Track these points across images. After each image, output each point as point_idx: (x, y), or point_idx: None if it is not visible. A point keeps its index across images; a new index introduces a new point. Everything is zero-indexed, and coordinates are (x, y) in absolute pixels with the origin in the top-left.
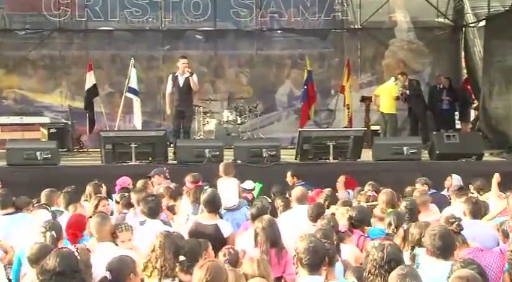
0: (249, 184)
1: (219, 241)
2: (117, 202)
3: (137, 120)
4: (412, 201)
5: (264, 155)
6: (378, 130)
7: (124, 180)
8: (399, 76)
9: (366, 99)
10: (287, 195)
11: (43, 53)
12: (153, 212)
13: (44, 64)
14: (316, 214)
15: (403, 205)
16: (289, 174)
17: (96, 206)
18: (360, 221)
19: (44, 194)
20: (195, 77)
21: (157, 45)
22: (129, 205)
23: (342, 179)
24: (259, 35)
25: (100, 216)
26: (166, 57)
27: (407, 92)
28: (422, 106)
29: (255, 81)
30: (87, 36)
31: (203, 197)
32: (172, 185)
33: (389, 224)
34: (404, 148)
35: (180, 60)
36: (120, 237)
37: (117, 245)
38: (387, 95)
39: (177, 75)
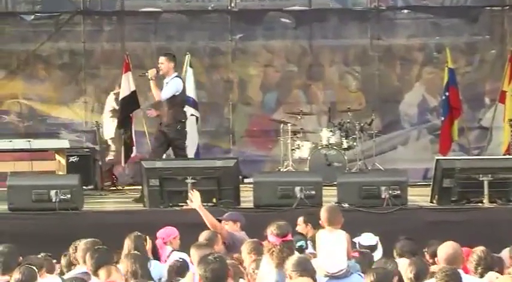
0: (367, 238)
1: None
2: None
3: (190, 144)
4: None
5: (384, 196)
6: None
7: (168, 232)
8: None
9: None
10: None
11: (60, 47)
12: (218, 278)
13: (62, 62)
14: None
15: None
16: (301, 220)
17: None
18: None
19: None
20: (171, 82)
21: (224, 33)
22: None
23: None
24: (375, 17)
25: None
26: (238, 51)
27: None
28: None
29: (369, 85)
30: (124, 22)
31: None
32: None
33: None
34: None
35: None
36: None
37: None
38: None
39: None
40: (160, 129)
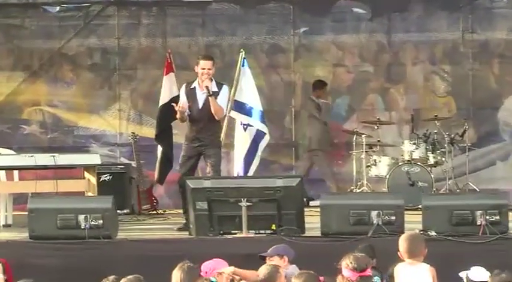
0: (478, 273)
1: None
2: None
3: (238, 157)
4: None
5: (479, 222)
6: None
7: (213, 266)
8: None
9: None
10: None
11: (90, 44)
12: None
13: (92, 62)
14: None
15: None
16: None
17: None
18: None
19: None
20: (224, 93)
21: (286, 27)
22: None
23: None
24: (468, 6)
25: None
26: (303, 48)
27: None
28: None
29: (460, 88)
30: (165, 13)
31: None
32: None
33: None
34: None
35: (200, 63)
36: None
37: None
38: None
39: (193, 87)
40: (194, 145)
